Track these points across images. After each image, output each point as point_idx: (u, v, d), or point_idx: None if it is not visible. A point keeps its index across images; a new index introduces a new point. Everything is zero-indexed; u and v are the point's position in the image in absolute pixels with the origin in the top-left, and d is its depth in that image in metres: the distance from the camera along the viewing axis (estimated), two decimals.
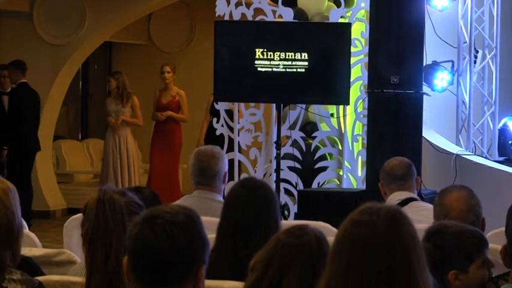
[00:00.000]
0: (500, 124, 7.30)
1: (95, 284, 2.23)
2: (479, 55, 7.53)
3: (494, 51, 7.52)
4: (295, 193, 7.10)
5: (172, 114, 9.74)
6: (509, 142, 7.16)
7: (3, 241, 2.48)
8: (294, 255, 2.12)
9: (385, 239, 1.87)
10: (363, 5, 7.26)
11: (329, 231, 3.94)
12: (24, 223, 3.21)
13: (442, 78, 7.34)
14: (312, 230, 2.21)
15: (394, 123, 6.66)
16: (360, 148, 7.35)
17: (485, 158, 7.18)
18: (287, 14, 7.37)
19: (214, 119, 7.77)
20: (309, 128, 7.62)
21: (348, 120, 7.42)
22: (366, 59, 7.03)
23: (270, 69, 7.01)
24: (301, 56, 6.96)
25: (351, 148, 7.41)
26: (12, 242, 2.50)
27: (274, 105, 7.42)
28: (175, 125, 9.90)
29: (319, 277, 1.91)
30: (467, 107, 7.50)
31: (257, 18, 7.46)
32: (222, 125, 7.61)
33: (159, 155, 9.86)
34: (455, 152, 7.10)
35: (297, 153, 7.34)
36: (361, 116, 7.22)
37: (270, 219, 3.07)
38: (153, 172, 9.83)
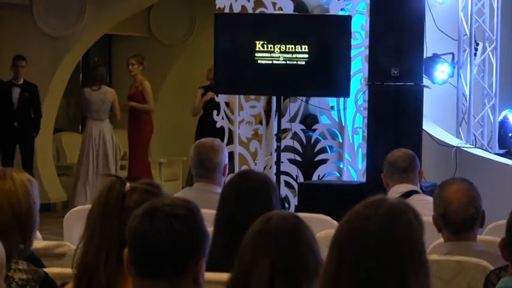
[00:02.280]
0: (501, 117, 7.30)
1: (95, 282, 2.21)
2: (480, 47, 7.51)
3: (494, 43, 7.51)
4: (296, 186, 7.10)
5: (133, 104, 9.78)
6: (510, 135, 7.17)
7: (20, 229, 2.51)
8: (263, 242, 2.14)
9: (378, 235, 1.86)
10: None
11: (329, 224, 3.95)
12: None
13: (442, 71, 7.33)
14: (275, 214, 2.24)
15: (395, 115, 6.66)
16: (360, 141, 7.35)
17: (486, 150, 7.19)
18: (287, 7, 7.35)
19: (215, 112, 7.73)
20: (309, 120, 7.61)
21: (348, 112, 7.42)
22: (367, 52, 7.01)
23: (270, 62, 7.01)
24: (301, 49, 6.96)
25: (351, 141, 7.41)
26: (27, 232, 2.53)
27: (274, 97, 7.40)
28: (140, 115, 9.90)
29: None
30: (468, 99, 7.49)
31: (257, 11, 7.46)
32: (222, 118, 7.60)
33: (129, 146, 9.98)
34: (455, 145, 7.10)
35: (297, 146, 7.34)
36: (362, 108, 7.22)
37: (266, 211, 3.05)
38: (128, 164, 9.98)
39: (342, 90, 7.08)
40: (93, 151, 9.55)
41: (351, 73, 7.07)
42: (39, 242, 3.21)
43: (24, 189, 2.67)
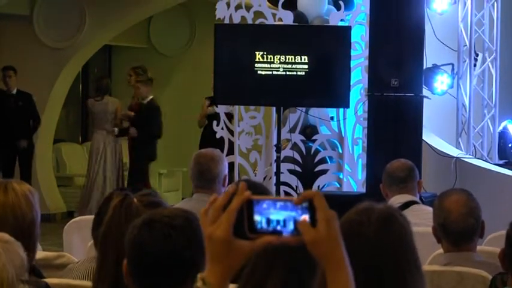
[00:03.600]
0: (500, 127, 7.31)
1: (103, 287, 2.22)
2: (479, 58, 7.52)
3: (494, 54, 7.51)
4: (296, 196, 7.08)
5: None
6: (509, 145, 7.17)
7: (24, 240, 2.52)
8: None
9: (373, 240, 1.89)
10: (362, 8, 7.25)
11: None
12: None
13: (442, 82, 7.34)
14: None
15: (394, 126, 6.64)
16: (360, 151, 7.35)
17: (485, 161, 7.19)
18: (287, 17, 7.35)
19: (214, 122, 7.74)
20: (308, 131, 7.59)
21: (348, 123, 7.42)
22: (366, 62, 7.00)
23: (270, 72, 7.00)
24: (301, 59, 6.95)
25: (351, 151, 7.40)
26: (31, 243, 2.55)
27: (274, 108, 7.40)
28: None
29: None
30: (467, 110, 7.50)
31: (257, 21, 7.46)
32: (222, 128, 7.59)
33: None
34: (455, 155, 7.10)
35: (297, 156, 7.33)
36: (361, 119, 7.21)
37: None
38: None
39: (341, 100, 7.08)
40: (98, 161, 9.56)
41: (351, 84, 7.06)
42: (39, 253, 3.20)
43: (27, 200, 2.69)
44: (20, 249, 2.32)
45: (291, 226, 1.70)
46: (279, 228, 1.71)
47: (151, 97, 9.71)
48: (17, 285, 2.34)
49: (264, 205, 1.70)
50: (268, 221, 1.71)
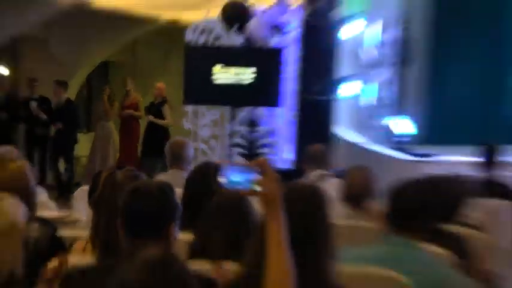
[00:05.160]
0: (390, 121, 7.38)
1: (99, 240, 2.22)
2: (383, 69, 7.63)
3: (393, 67, 7.59)
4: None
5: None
6: (395, 134, 7.27)
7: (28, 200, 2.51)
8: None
9: (300, 211, 1.92)
10: (294, 32, 7.39)
11: None
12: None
13: (350, 88, 7.50)
14: (226, 193, 2.28)
15: (315, 121, 6.83)
16: (291, 139, 7.47)
17: (381, 146, 7.32)
18: (238, 40, 7.43)
19: (184, 118, 7.78)
20: (253, 124, 7.68)
21: (283, 118, 7.55)
22: (296, 73, 7.18)
23: (227, 81, 7.10)
24: (248, 71, 7.11)
25: (283, 139, 7.52)
26: (28, 199, 2.51)
27: (228, 107, 7.52)
28: (132, 122, 8.76)
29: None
30: (370, 109, 7.64)
31: (217, 43, 7.50)
32: (189, 122, 7.71)
33: (120, 147, 9.26)
34: (359, 142, 7.26)
35: (244, 143, 7.43)
36: (292, 116, 7.35)
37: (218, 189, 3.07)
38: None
39: (277, 101, 7.25)
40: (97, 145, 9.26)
41: (286, 88, 7.22)
42: (55, 213, 3.20)
43: (23, 170, 2.68)
44: (18, 205, 2.33)
45: (247, 184, 1.74)
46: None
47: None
48: (27, 225, 2.35)
49: (228, 170, 1.73)
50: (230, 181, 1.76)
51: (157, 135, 7.79)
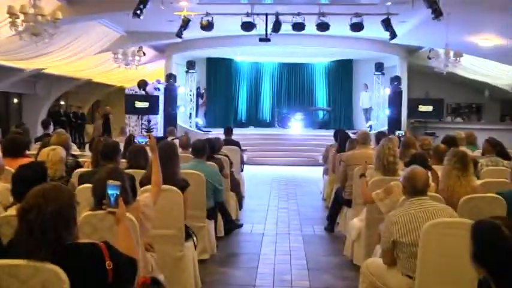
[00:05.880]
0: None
1: (93, 162, 4.57)
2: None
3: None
4: None
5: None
6: None
7: (65, 147, 4.41)
8: None
9: (163, 147, 3.72)
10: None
11: None
12: None
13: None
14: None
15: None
16: None
17: None
18: None
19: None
20: (149, 120, 15.36)
21: None
22: None
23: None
24: None
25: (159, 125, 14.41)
26: (67, 148, 4.24)
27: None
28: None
29: None
30: None
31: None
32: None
33: None
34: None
35: (145, 126, 14.70)
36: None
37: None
38: None
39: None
40: None
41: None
42: (77, 152, 6.56)
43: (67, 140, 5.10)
44: (63, 150, 4.15)
45: (144, 141, 3.55)
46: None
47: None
48: (66, 159, 4.11)
49: (138, 137, 4.01)
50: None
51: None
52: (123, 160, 4.50)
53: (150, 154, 3.56)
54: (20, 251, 2.15)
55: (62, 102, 19.54)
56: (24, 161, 3.86)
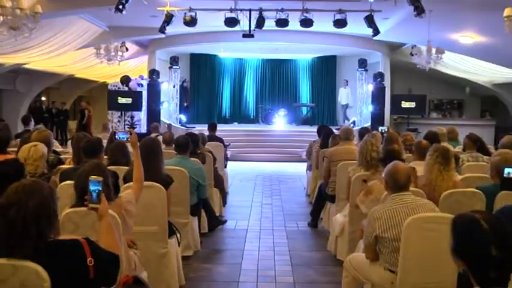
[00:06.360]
0: None
1: (75, 158, 4.90)
2: None
3: None
4: None
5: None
6: None
7: (46, 143, 4.57)
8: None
9: (145, 144, 3.95)
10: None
11: None
12: None
13: None
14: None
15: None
16: None
17: None
18: None
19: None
20: (132, 116, 15.75)
21: None
22: None
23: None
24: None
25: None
26: (49, 145, 4.59)
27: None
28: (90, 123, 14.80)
29: None
30: None
31: None
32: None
33: None
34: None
35: (128, 123, 15.03)
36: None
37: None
38: None
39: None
40: None
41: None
42: (59, 148, 6.18)
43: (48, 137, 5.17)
44: (44, 146, 4.24)
45: (126, 137, 3.35)
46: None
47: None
48: (47, 155, 4.29)
49: (120, 134, 3.41)
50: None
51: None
52: (105, 157, 4.51)
53: (131, 150, 3.59)
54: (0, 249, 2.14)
55: (44, 98, 19.47)
56: (8, 157, 3.86)
